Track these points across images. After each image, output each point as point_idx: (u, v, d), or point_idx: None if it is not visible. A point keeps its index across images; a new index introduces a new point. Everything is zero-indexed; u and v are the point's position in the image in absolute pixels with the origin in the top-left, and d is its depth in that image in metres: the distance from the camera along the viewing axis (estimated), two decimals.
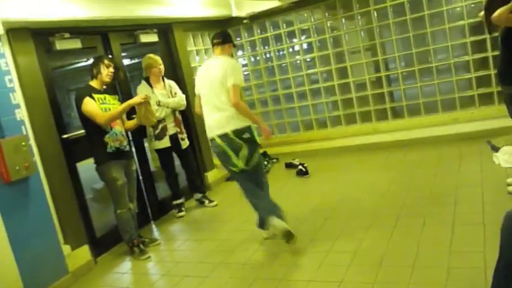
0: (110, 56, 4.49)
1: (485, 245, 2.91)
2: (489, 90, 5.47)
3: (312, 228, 3.84)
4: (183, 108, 4.87)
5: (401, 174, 4.83)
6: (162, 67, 4.70)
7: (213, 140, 3.56)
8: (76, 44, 4.15)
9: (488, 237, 3.01)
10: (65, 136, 3.93)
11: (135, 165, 4.22)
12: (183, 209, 4.95)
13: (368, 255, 3.18)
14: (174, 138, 4.75)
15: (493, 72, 5.33)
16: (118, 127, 3.88)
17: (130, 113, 4.12)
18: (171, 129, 4.73)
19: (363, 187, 4.65)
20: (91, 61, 3.93)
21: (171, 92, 4.75)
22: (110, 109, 3.80)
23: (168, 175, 4.90)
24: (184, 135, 4.90)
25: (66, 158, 3.87)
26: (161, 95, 4.63)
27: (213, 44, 3.72)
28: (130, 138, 4.46)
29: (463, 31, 5.48)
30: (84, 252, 3.89)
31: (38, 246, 3.42)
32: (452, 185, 4.11)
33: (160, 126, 4.62)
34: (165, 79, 4.82)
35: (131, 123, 4.07)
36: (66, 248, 3.71)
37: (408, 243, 3.19)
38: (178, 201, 4.94)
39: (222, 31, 3.89)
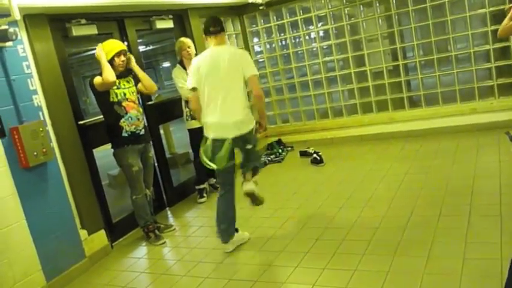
0: (126, 43, 4.49)
1: (502, 237, 2.88)
2: (509, 80, 5.35)
3: (327, 216, 3.84)
4: None
5: (417, 164, 4.78)
6: (190, 49, 4.74)
7: (222, 140, 3.31)
8: (92, 30, 4.17)
9: (505, 228, 2.97)
10: (81, 122, 3.96)
11: (152, 151, 4.24)
12: (204, 194, 4.97)
13: (383, 244, 3.17)
14: None
15: None
16: (133, 111, 3.89)
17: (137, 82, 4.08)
18: None
19: (378, 177, 4.61)
20: None
21: None
22: (125, 93, 3.83)
23: (197, 157, 4.90)
24: None
25: (83, 144, 3.91)
26: None
27: (211, 33, 3.39)
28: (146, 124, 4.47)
29: (484, 19, 5.35)
30: (101, 237, 3.95)
31: (56, 230, 3.49)
32: (469, 175, 4.05)
33: None
34: None
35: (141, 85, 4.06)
36: (83, 233, 3.77)
37: (424, 233, 3.17)
38: (202, 186, 4.98)
39: (214, 17, 3.52)
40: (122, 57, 3.84)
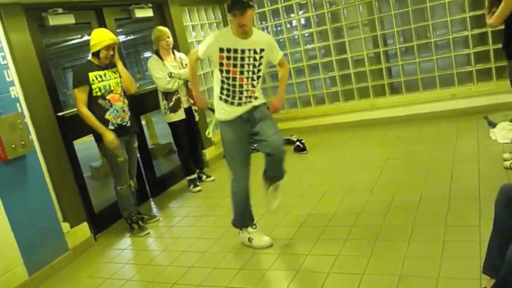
0: None
1: (481, 219, 2.94)
2: (487, 66, 5.43)
3: (310, 203, 3.87)
4: None
5: (398, 150, 4.85)
6: (170, 39, 4.64)
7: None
8: (69, 19, 4.08)
9: (483, 211, 3.04)
10: (61, 114, 3.90)
11: (137, 142, 4.20)
12: (198, 183, 4.94)
13: (364, 229, 3.21)
14: (188, 111, 4.74)
15: (491, 47, 5.29)
16: (119, 103, 3.83)
17: None
18: (185, 102, 4.72)
19: (360, 163, 4.66)
20: (87, 38, 3.87)
21: (181, 63, 4.72)
22: (109, 85, 3.77)
23: (182, 150, 4.85)
24: (197, 108, 4.87)
25: (63, 135, 3.85)
26: (172, 67, 4.60)
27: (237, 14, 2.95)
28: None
29: (463, 6, 5.41)
30: (84, 230, 3.92)
31: (37, 224, 3.44)
32: (449, 160, 4.12)
33: (174, 98, 4.60)
34: (175, 51, 4.79)
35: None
36: (65, 226, 3.73)
37: (405, 218, 3.22)
38: (192, 177, 4.93)
39: None
40: (111, 51, 3.75)
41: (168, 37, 4.62)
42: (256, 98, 3.19)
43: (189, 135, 4.91)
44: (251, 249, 3.28)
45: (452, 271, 2.49)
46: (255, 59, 3.09)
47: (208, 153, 5.70)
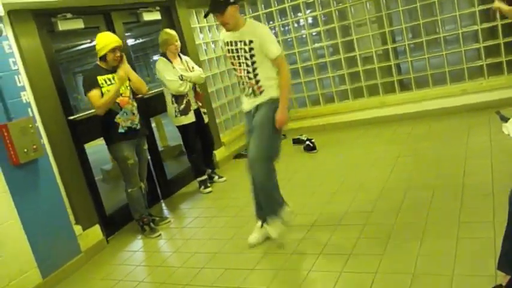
0: None
1: (495, 215, 2.90)
2: (498, 60, 5.37)
3: (321, 202, 3.85)
4: (202, 81, 4.88)
5: (409, 147, 4.81)
6: (178, 43, 4.65)
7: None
8: (78, 24, 4.12)
9: (497, 207, 2.99)
10: (72, 117, 3.93)
11: (147, 145, 4.22)
12: (208, 184, 4.94)
13: (376, 228, 3.19)
14: (196, 113, 4.75)
15: (502, 41, 5.23)
16: (128, 106, 3.85)
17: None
18: (193, 104, 4.73)
19: (370, 161, 4.63)
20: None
21: (188, 66, 4.73)
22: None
23: (192, 151, 4.85)
24: (205, 109, 4.90)
25: (74, 139, 3.89)
26: (181, 70, 4.62)
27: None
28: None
29: (472, 0, 5.35)
30: (96, 232, 3.94)
31: (50, 227, 3.47)
32: (461, 156, 4.08)
33: (184, 100, 4.62)
34: (181, 55, 4.80)
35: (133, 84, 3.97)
36: (77, 228, 3.76)
37: (417, 216, 3.19)
38: (203, 178, 4.93)
39: None
40: (117, 53, 3.77)
41: (177, 41, 4.63)
42: (261, 92, 3.17)
43: (200, 136, 4.93)
44: (262, 250, 3.28)
45: (467, 268, 2.46)
46: (245, 51, 3.13)
47: (219, 154, 5.71)
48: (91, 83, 3.71)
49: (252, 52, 3.12)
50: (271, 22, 6.46)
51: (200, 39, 5.86)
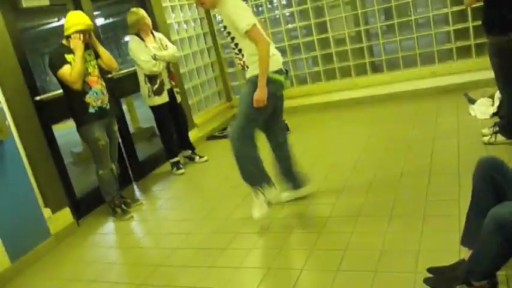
0: None
1: (460, 193, 2.99)
2: (467, 43, 5.47)
3: None
4: (176, 60, 4.77)
5: (380, 128, 4.88)
6: (148, 21, 4.53)
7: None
8: (44, 1, 3.97)
9: (463, 186, 3.08)
10: (38, 98, 3.82)
11: (117, 125, 4.14)
12: (181, 166, 4.89)
13: (346, 206, 3.25)
14: (169, 93, 4.67)
15: (471, 24, 5.32)
16: (97, 85, 3.76)
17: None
18: (167, 83, 4.65)
19: (342, 142, 4.69)
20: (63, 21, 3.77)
21: (161, 44, 4.63)
22: (87, 68, 3.69)
23: (165, 133, 4.79)
24: (178, 89, 4.80)
25: (41, 120, 3.78)
26: (154, 49, 4.51)
27: None
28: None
29: None
30: (66, 215, 3.88)
31: (17, 210, 3.39)
32: (429, 137, 4.17)
33: (158, 80, 4.52)
34: (154, 32, 4.68)
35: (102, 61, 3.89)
36: (46, 211, 3.69)
37: (386, 194, 3.26)
38: (176, 159, 4.89)
39: None
40: (82, 37, 3.63)
41: (146, 19, 4.51)
42: (248, 67, 3.14)
43: (174, 117, 4.86)
44: (234, 229, 3.30)
45: (432, 244, 2.54)
46: (224, 28, 3.16)
47: (192, 135, 5.66)
48: (60, 61, 3.60)
49: (228, 30, 3.10)
50: (244, 2, 6.37)
51: (172, 19, 5.76)
